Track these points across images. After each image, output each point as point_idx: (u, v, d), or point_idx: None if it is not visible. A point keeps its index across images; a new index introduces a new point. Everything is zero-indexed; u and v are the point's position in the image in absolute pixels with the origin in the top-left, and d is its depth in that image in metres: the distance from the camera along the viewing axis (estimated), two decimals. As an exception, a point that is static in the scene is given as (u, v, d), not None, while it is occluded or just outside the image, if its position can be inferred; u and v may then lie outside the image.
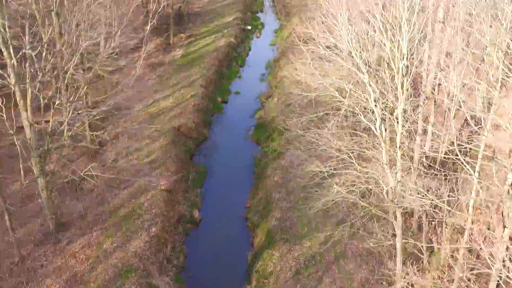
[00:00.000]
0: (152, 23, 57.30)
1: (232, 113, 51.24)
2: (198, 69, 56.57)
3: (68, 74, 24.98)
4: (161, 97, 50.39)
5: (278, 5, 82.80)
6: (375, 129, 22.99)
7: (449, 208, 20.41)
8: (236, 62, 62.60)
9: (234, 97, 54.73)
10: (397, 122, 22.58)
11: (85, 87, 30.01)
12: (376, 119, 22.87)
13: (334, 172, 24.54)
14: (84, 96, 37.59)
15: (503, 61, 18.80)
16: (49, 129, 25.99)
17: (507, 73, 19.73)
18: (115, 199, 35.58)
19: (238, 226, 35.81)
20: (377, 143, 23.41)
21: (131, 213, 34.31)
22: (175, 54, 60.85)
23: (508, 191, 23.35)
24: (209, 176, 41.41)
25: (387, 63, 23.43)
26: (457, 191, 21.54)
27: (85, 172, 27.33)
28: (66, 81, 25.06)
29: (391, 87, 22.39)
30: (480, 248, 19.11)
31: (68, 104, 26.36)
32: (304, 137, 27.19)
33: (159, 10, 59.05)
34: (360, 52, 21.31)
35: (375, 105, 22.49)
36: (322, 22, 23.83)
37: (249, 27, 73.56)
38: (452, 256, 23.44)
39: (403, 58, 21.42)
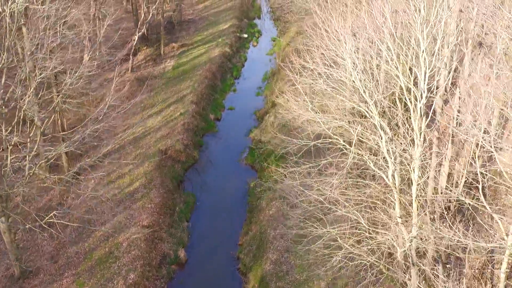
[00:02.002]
0: (140, 33, 53.64)
1: (225, 132, 47.40)
2: (189, 82, 52.75)
3: (23, 109, 21.22)
4: (148, 115, 46.61)
5: (276, 12, 78.96)
6: (387, 178, 19.17)
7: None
8: (231, 74, 58.77)
9: (228, 113, 50.90)
10: (413, 170, 18.75)
11: (46, 123, 26.16)
12: (388, 166, 19.04)
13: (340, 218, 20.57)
14: (59, 124, 33.90)
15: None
16: (5, 171, 22.17)
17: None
18: (91, 237, 31.77)
19: (229, 268, 31.95)
20: (388, 194, 19.64)
21: (107, 255, 30.46)
22: (165, 66, 57.03)
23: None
24: (198, 206, 37.56)
25: (400, 98, 19.62)
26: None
27: (47, 220, 23.49)
28: (21, 117, 21.26)
29: (406, 128, 18.58)
30: None
31: (29, 141, 22.57)
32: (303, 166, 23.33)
33: (148, 19, 55.35)
34: (370, 92, 17.54)
35: (387, 150, 18.66)
36: (325, 51, 20.03)
37: (245, 35, 69.74)
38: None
39: (421, 97, 17.57)
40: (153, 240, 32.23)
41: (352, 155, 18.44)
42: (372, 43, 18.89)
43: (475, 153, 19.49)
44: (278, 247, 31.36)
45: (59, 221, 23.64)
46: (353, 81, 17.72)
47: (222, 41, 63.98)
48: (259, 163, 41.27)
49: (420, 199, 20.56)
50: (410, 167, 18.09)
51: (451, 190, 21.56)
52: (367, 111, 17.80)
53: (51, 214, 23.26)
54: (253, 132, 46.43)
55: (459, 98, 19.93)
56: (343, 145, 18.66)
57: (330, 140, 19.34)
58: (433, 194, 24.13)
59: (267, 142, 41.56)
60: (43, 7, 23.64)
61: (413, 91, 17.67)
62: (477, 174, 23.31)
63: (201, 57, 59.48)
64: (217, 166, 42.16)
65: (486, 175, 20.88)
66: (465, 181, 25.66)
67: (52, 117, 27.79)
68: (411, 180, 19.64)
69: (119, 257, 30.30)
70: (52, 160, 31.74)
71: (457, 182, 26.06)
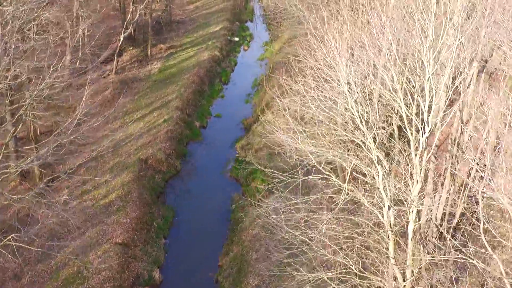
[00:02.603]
0: (126, 34, 51.42)
1: (210, 140, 45.24)
2: (175, 87, 50.53)
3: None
4: (130, 120, 44.33)
5: (269, 15, 76.87)
6: (382, 216, 17.24)
7: None
8: (220, 79, 56.62)
9: (215, 121, 48.76)
10: (411, 211, 16.84)
11: (13, 132, 23.93)
12: (383, 204, 17.11)
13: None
14: (31, 130, 31.70)
15: None
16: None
17: None
18: (60, 253, 29.49)
19: (206, 291, 29.93)
20: (383, 233, 17.70)
21: (75, 275, 28.26)
22: (152, 68, 54.74)
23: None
24: (177, 221, 35.42)
25: (398, 126, 17.70)
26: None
27: (5, 242, 21.23)
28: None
29: (405, 164, 16.67)
30: None
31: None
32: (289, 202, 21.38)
33: (135, 18, 53.10)
34: (367, 124, 15.59)
35: (384, 187, 16.72)
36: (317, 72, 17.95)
37: (237, 39, 67.59)
38: None
39: (424, 130, 15.66)
40: (127, 259, 30.06)
41: (345, 191, 16.51)
42: (373, 66, 16.99)
43: (472, 182, 17.63)
44: (260, 271, 29.33)
45: (18, 244, 21.42)
46: (350, 109, 15.78)
47: (212, 44, 61.82)
48: (243, 177, 39.24)
49: (416, 237, 18.67)
50: (408, 209, 16.19)
51: (448, 236, 19.72)
52: (363, 143, 15.89)
53: (9, 237, 21.07)
54: (239, 142, 44.36)
55: (461, 131, 18.07)
56: (336, 181, 16.68)
57: (322, 176, 17.35)
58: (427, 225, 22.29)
59: (251, 164, 39.25)
60: (10, 8, 21.34)
61: (415, 123, 15.77)
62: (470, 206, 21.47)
63: (189, 60, 57.29)
64: (200, 177, 40.06)
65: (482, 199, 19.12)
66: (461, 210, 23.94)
67: (18, 128, 25.57)
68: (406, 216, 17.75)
69: (88, 277, 28.12)
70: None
71: (451, 211, 24.32)
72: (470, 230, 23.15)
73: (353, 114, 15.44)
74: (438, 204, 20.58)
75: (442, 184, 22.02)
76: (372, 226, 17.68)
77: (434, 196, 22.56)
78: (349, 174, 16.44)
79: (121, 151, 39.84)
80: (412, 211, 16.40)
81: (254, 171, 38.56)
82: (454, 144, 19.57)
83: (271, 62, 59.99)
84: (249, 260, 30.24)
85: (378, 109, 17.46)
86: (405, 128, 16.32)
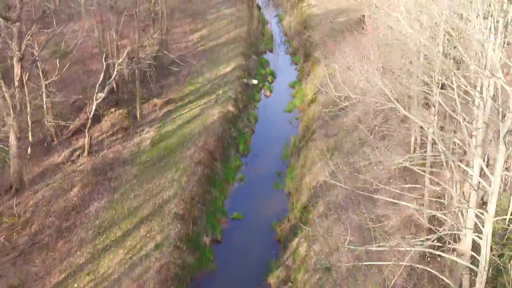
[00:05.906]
0: (103, 94, 36.14)
1: (228, 271, 29.55)
2: (174, 173, 35.01)
3: None
4: (103, 246, 28.77)
5: (293, 41, 61.03)
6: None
7: None
8: (236, 149, 40.92)
9: (233, 228, 33.04)
10: None
11: None
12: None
13: None
14: None
15: None
16: None
17: None
18: None
19: None
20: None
21: None
22: (141, 140, 39.15)
23: None
24: None
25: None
26: None
27: None
28: None
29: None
30: None
31: None
32: None
33: (113, 76, 37.66)
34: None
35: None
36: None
37: (255, 81, 51.81)
38: None
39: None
40: None
41: None
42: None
43: None
44: None
45: None
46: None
47: (223, 93, 46.24)
48: None
49: None
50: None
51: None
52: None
53: None
54: (274, 274, 28.74)
55: None
56: None
57: None
58: None
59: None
60: None
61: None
62: None
63: (193, 122, 41.68)
64: None
65: None
66: None
67: None
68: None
69: None
70: None
71: None
72: None
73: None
74: None
75: None
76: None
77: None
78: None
79: (84, 319, 24.40)
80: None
81: None
82: None
83: (304, 116, 44.36)
84: None
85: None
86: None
